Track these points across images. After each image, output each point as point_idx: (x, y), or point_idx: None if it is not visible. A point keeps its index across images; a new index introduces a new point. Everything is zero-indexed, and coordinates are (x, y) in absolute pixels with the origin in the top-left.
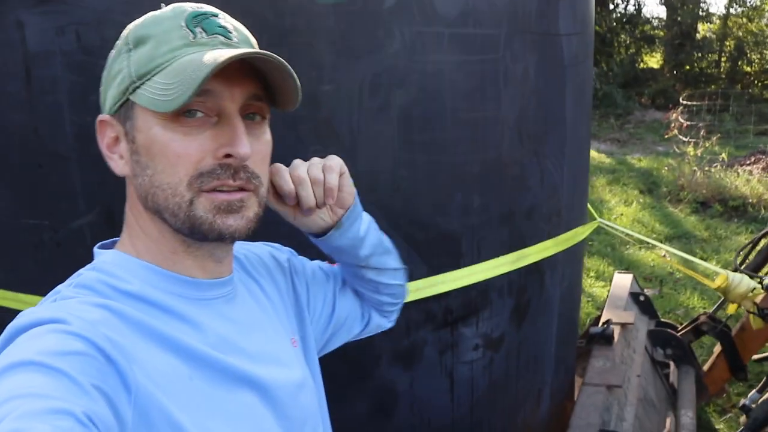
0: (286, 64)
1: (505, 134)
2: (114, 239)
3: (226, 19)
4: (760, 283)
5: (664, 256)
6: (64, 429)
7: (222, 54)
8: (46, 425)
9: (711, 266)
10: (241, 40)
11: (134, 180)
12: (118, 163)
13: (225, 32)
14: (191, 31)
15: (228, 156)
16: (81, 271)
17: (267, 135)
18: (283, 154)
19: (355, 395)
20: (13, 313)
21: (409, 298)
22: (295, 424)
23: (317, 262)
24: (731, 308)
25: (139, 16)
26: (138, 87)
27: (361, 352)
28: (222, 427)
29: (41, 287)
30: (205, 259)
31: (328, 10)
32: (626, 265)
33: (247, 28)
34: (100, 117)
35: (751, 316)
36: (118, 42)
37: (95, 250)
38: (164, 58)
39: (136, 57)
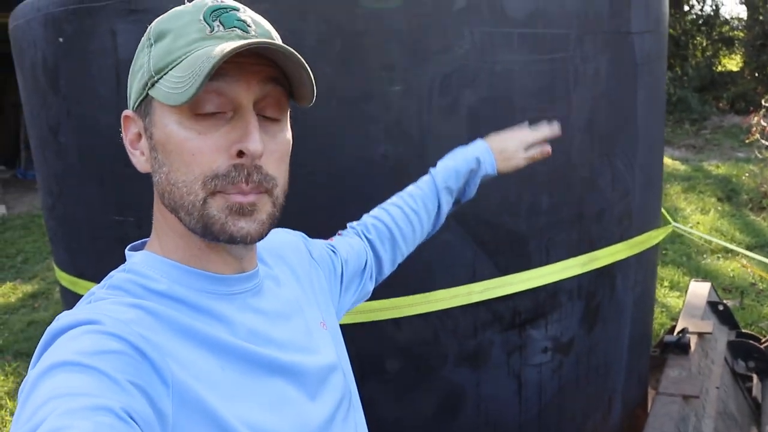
0: (297, 54)
1: (575, 134)
2: (144, 240)
3: (246, 13)
4: None
5: (745, 266)
6: (105, 425)
7: (232, 44)
8: (88, 422)
9: None
10: (260, 33)
11: (153, 177)
12: (140, 159)
13: (243, 26)
14: (208, 24)
15: (241, 154)
16: (113, 273)
17: (285, 134)
18: (353, 153)
19: (421, 393)
20: None
21: (477, 298)
22: (329, 407)
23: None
24: None
25: None
26: (156, 82)
27: (427, 351)
28: (257, 414)
29: None
30: (226, 256)
31: (399, 12)
32: (703, 275)
33: (320, 32)
34: (125, 112)
35: None
36: (143, 36)
37: (126, 252)
38: (181, 51)
39: (155, 51)
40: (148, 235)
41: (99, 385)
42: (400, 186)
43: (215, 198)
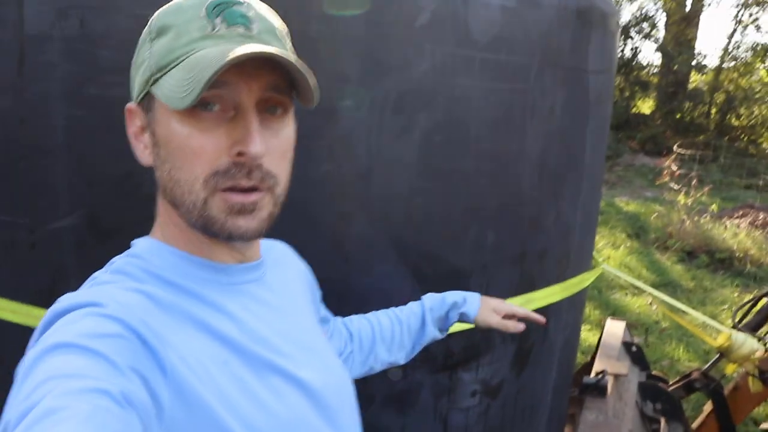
0: (295, 61)
1: (525, 170)
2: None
3: (251, 8)
4: (765, 344)
5: (650, 302)
6: (102, 408)
7: (236, 51)
8: (85, 404)
9: (714, 323)
10: (262, 30)
11: (156, 171)
12: (143, 153)
13: (246, 23)
14: (211, 21)
15: (241, 154)
16: (115, 258)
17: (288, 130)
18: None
19: None
20: None
21: None
22: (331, 411)
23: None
24: (730, 368)
25: (145, 4)
26: (158, 79)
27: (354, 392)
28: (254, 412)
29: (12, 291)
30: (229, 249)
31: (357, 20)
32: (612, 311)
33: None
34: (128, 105)
35: (751, 378)
36: (145, 29)
37: (132, 241)
38: (182, 50)
39: (157, 47)
40: (41, 241)
41: (98, 367)
42: (339, 208)
43: (215, 198)
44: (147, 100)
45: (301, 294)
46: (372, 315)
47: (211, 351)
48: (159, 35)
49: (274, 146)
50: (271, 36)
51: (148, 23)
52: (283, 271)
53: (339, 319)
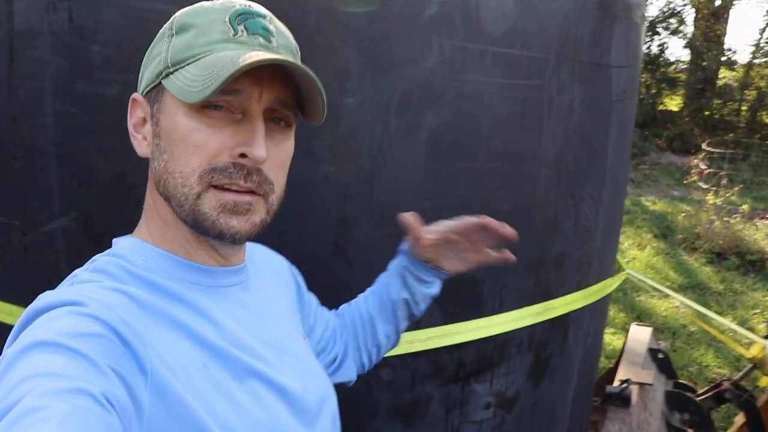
0: (314, 76)
1: (541, 171)
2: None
3: (272, 22)
4: None
5: (677, 305)
6: (83, 408)
7: (253, 56)
8: (65, 404)
9: (747, 332)
10: (281, 44)
11: (152, 163)
12: (141, 144)
13: (266, 35)
14: (233, 27)
15: (243, 156)
16: (97, 256)
17: (289, 143)
18: (290, 171)
19: None
20: None
21: (419, 347)
22: (310, 416)
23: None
24: (764, 380)
25: None
26: (171, 73)
27: (356, 403)
28: (232, 415)
29: (7, 293)
30: (212, 251)
31: (360, 12)
32: (638, 313)
33: None
34: (133, 95)
35: None
36: (165, 25)
37: (114, 240)
38: (201, 49)
39: (176, 43)
40: (34, 243)
41: (79, 367)
42: (341, 212)
43: (209, 193)
44: (155, 93)
45: (284, 299)
46: (346, 307)
47: (190, 353)
48: (179, 32)
49: (273, 155)
50: (288, 52)
51: (170, 20)
52: (266, 276)
53: (330, 325)
